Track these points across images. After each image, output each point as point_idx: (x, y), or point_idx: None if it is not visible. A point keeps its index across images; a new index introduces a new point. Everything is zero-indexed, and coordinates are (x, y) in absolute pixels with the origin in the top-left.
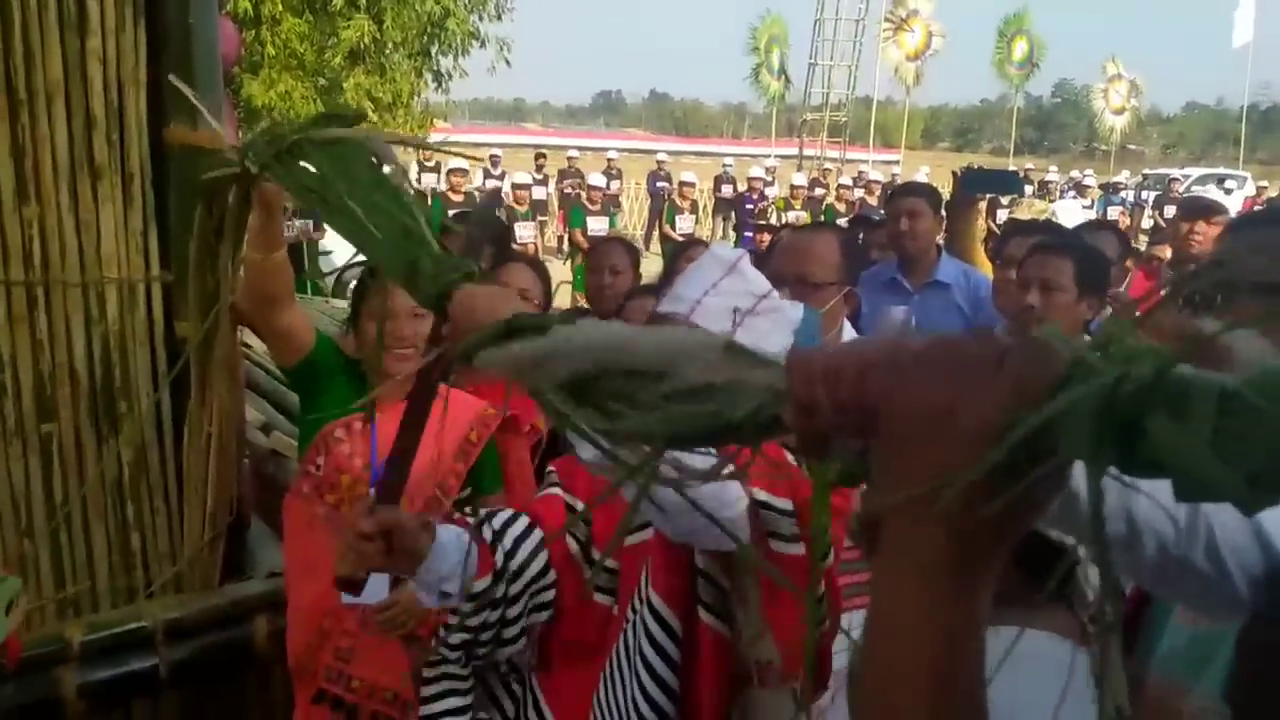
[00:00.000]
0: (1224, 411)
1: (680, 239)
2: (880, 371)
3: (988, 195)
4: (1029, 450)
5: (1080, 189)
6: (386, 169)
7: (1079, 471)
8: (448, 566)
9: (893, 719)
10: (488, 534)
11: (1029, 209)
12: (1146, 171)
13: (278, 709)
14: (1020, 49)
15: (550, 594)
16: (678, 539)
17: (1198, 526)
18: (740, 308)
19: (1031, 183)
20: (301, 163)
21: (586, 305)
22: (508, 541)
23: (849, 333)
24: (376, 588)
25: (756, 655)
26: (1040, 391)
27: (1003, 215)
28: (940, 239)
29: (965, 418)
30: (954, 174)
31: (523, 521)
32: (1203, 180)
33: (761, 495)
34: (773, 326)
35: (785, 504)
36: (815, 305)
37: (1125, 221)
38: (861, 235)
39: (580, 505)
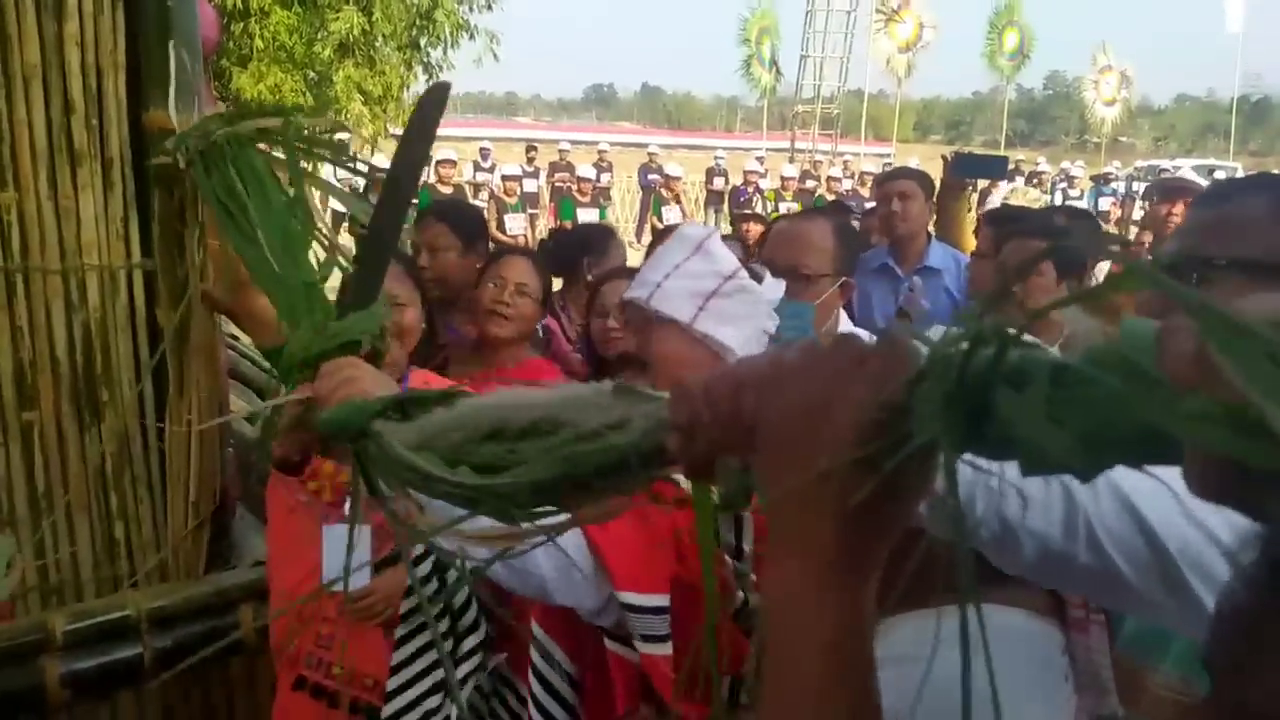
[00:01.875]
0: (1057, 381)
1: None
2: (754, 386)
3: (976, 180)
4: (894, 439)
5: (1069, 180)
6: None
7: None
8: None
9: (785, 705)
10: None
11: (1023, 197)
12: (1139, 164)
13: (263, 697)
14: (1011, 40)
15: None
16: (534, 596)
17: (1075, 522)
18: (704, 289)
19: (1023, 173)
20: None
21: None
22: None
23: (845, 324)
24: (357, 574)
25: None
26: (899, 384)
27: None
28: (931, 226)
29: (833, 416)
30: (943, 158)
31: None
32: (1194, 171)
33: (629, 598)
34: (742, 308)
35: (654, 600)
36: (810, 298)
37: (1117, 213)
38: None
39: None
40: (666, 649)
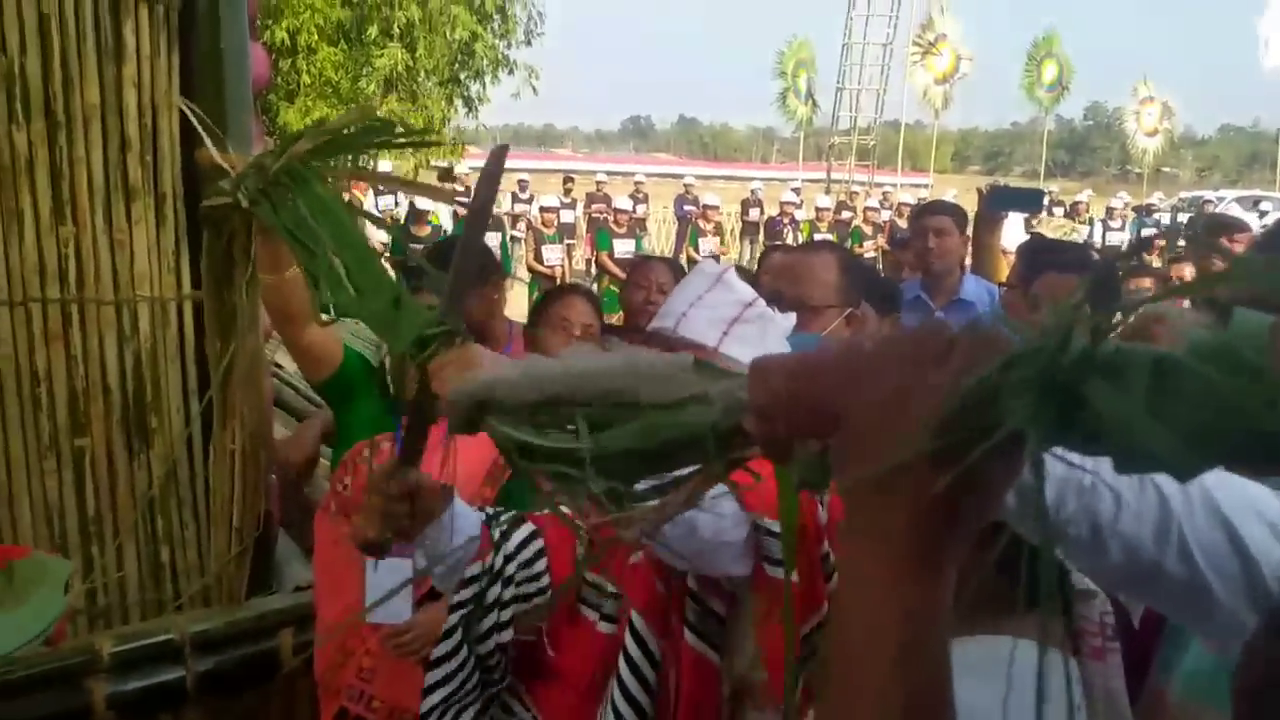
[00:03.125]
0: (1158, 374)
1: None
2: (836, 371)
3: (1012, 213)
4: (978, 429)
5: (1109, 212)
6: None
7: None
8: (455, 531)
9: (854, 697)
10: (495, 533)
11: (1047, 225)
12: (1182, 195)
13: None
14: (1050, 71)
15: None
16: (681, 566)
17: (1169, 530)
18: (727, 316)
19: (1062, 204)
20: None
21: (619, 325)
22: (510, 546)
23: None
24: (398, 608)
25: (751, 675)
26: (986, 372)
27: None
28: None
29: (916, 403)
30: (979, 190)
31: (528, 528)
32: (1239, 203)
33: (760, 520)
34: (761, 334)
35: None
36: (815, 330)
37: (1161, 244)
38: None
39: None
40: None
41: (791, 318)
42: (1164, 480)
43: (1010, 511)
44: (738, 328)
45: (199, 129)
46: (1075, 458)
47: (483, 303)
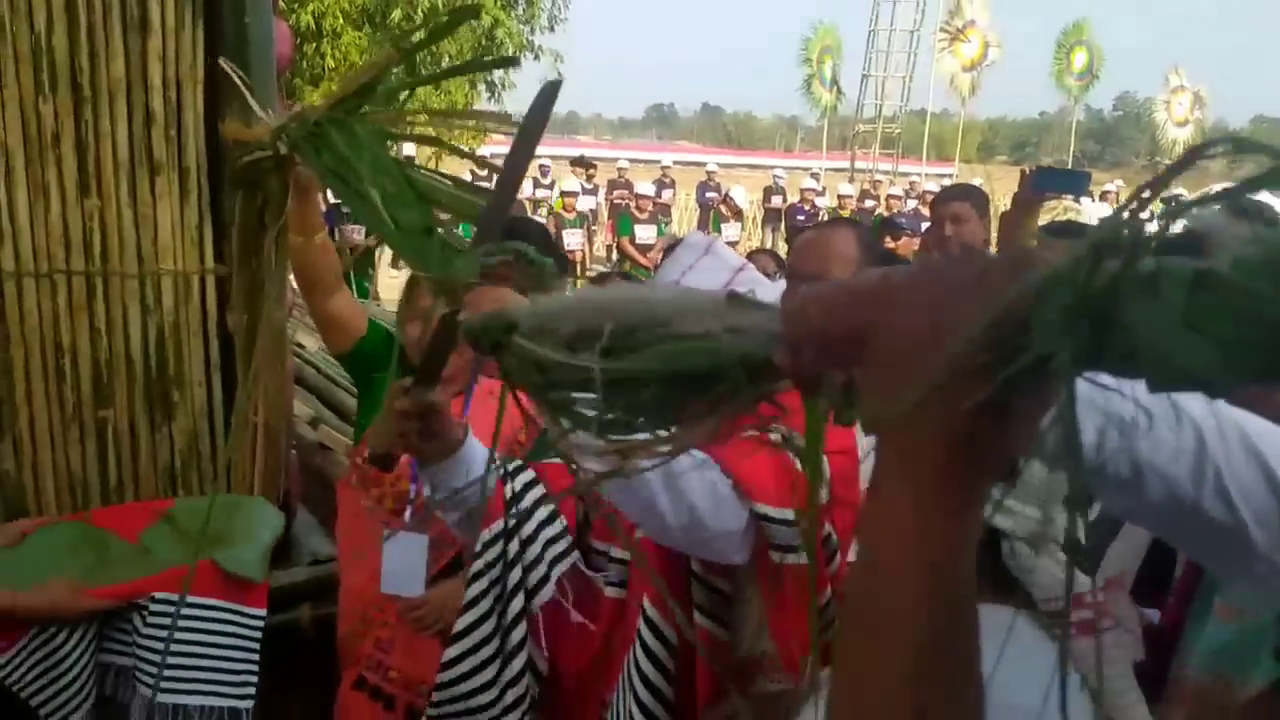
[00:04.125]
0: (1197, 287)
1: None
2: (868, 298)
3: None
4: (1010, 354)
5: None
6: (409, 151)
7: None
8: (469, 472)
9: (882, 635)
10: (508, 491)
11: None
12: (1214, 186)
13: (321, 692)
14: (1079, 60)
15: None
16: (676, 547)
17: (1205, 470)
18: (718, 282)
19: (1090, 195)
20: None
21: None
22: (527, 501)
23: None
24: (413, 581)
25: (757, 647)
26: (1019, 296)
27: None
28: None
29: (946, 328)
30: (1022, 171)
31: (540, 489)
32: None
33: (761, 508)
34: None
35: (786, 514)
36: None
37: None
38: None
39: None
40: (800, 558)
41: (781, 284)
42: (1201, 419)
43: (1045, 448)
44: None
45: (240, 85)
46: (1115, 388)
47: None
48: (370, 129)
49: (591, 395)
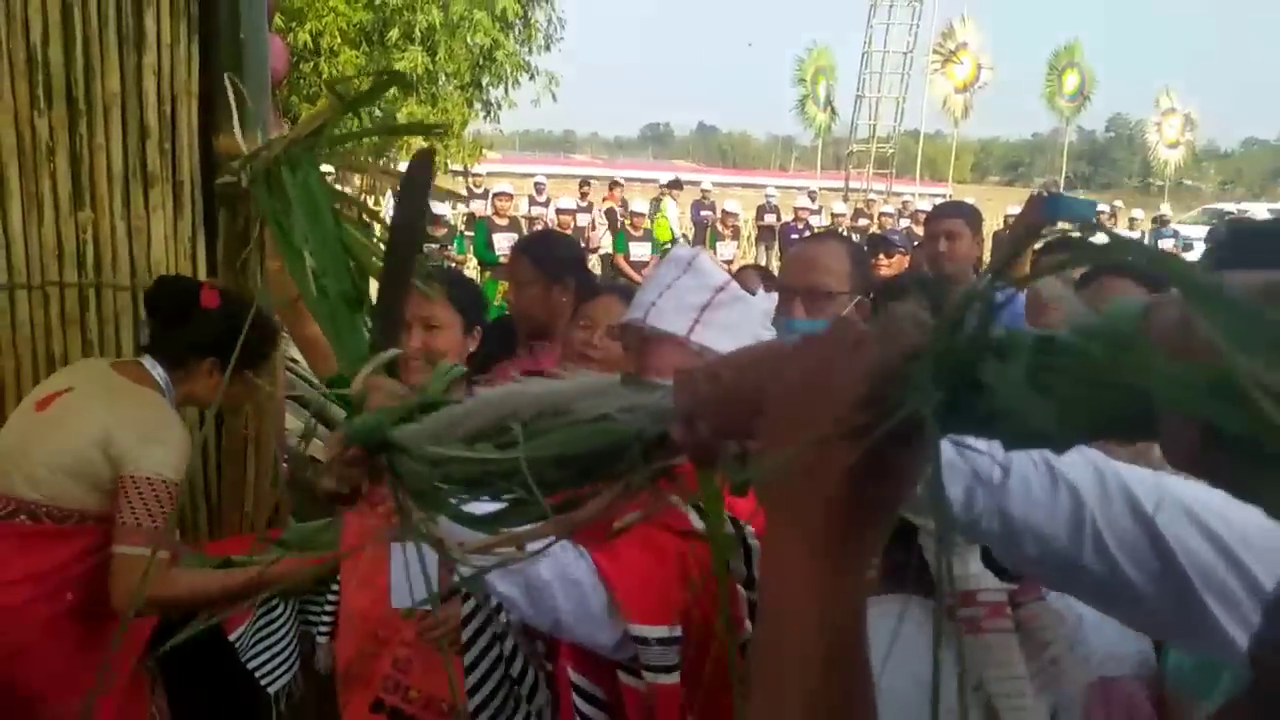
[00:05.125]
0: (1042, 351)
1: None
2: (755, 367)
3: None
4: (888, 415)
5: (1131, 223)
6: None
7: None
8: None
9: (776, 683)
10: None
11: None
12: (1205, 207)
13: (307, 701)
14: (1071, 81)
15: None
16: (550, 631)
17: (1082, 522)
18: (698, 303)
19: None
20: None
21: None
22: None
23: None
24: (423, 591)
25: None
26: (896, 361)
27: None
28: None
29: (830, 390)
30: (1032, 195)
31: None
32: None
33: (639, 630)
34: (738, 317)
35: (663, 631)
36: (826, 316)
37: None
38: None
39: None
40: (674, 679)
41: (772, 298)
42: (1078, 479)
43: (918, 504)
44: (709, 314)
45: (231, 104)
46: (984, 452)
47: (546, 304)
48: (320, 179)
49: (487, 487)
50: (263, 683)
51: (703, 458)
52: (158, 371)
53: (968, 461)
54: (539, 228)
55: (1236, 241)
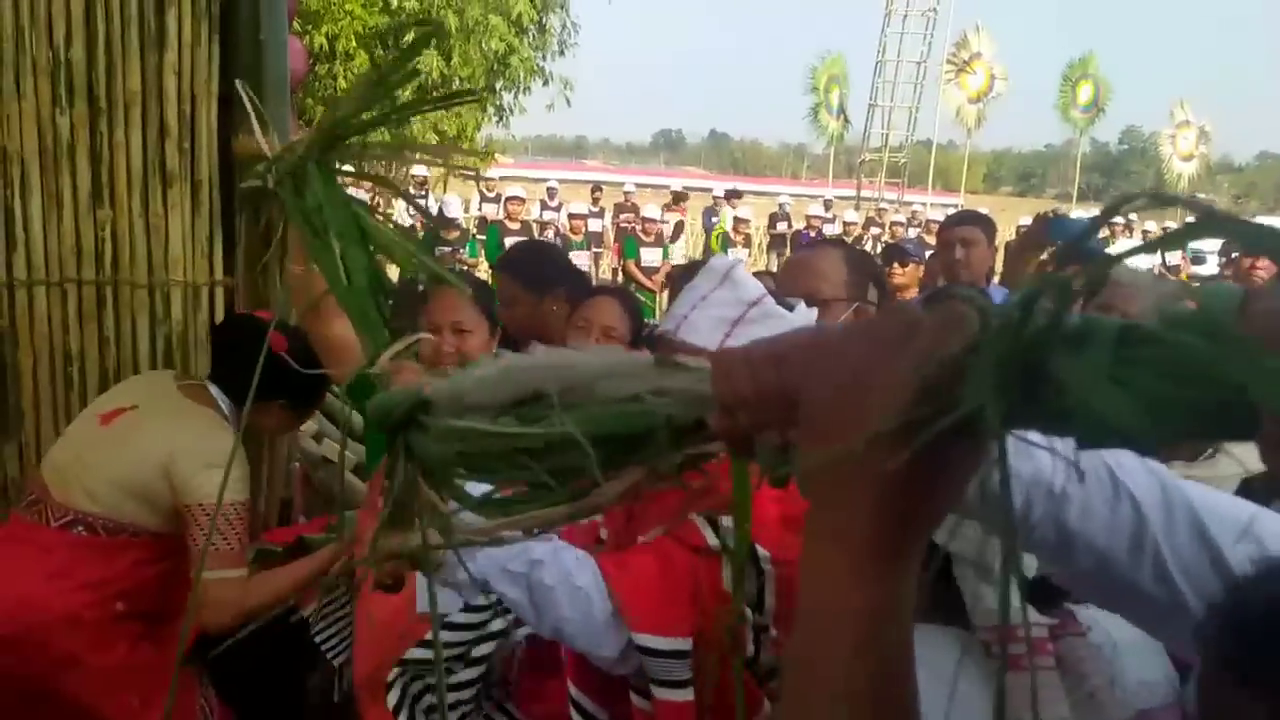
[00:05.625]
0: (1124, 343)
1: None
2: (798, 357)
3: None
4: (942, 412)
5: (1144, 237)
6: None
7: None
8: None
9: (811, 696)
10: None
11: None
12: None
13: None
14: (1085, 93)
15: None
16: (552, 637)
17: (1143, 544)
18: (729, 317)
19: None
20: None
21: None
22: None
23: None
24: (450, 596)
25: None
26: (951, 351)
27: None
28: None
29: (878, 385)
30: (1038, 216)
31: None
32: None
33: (646, 640)
34: (768, 333)
35: (674, 643)
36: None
37: (1186, 268)
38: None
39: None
40: (686, 695)
41: (812, 314)
42: (1143, 496)
43: (973, 506)
44: (741, 329)
45: (248, 107)
46: (1047, 446)
47: (537, 319)
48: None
49: (510, 466)
50: (329, 656)
51: (741, 447)
52: (222, 397)
53: (1030, 462)
54: (549, 233)
55: None
